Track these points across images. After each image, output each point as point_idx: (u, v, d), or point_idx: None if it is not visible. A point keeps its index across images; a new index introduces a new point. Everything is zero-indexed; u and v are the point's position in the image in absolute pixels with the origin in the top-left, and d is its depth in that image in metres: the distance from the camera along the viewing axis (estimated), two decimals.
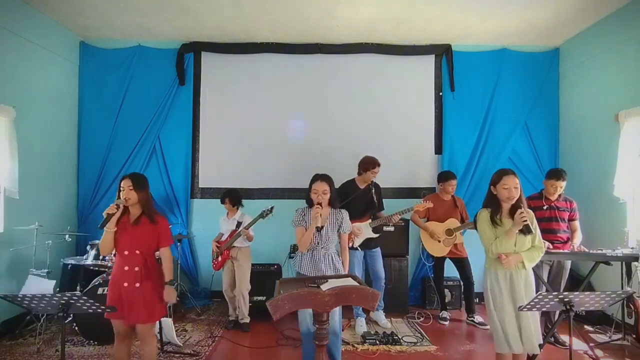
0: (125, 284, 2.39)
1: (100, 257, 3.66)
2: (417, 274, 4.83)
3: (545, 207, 3.44)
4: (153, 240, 2.48)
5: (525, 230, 2.34)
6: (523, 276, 2.41)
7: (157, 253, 2.56)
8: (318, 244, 2.71)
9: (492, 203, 2.49)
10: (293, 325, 3.72)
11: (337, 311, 2.62)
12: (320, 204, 2.66)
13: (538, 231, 2.46)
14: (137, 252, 2.42)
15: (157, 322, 3.17)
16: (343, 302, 2.06)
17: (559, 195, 3.44)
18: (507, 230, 2.40)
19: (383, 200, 4.02)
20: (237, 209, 3.98)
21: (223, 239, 3.94)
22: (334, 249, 2.79)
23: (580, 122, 4.58)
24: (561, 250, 3.34)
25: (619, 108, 3.88)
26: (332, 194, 2.73)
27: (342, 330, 3.77)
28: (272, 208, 3.74)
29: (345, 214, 2.82)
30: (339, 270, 2.73)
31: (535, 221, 2.46)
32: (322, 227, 2.69)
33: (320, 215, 2.64)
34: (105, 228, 2.37)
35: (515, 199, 2.40)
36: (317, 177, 2.75)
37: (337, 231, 2.77)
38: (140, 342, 2.53)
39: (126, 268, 2.41)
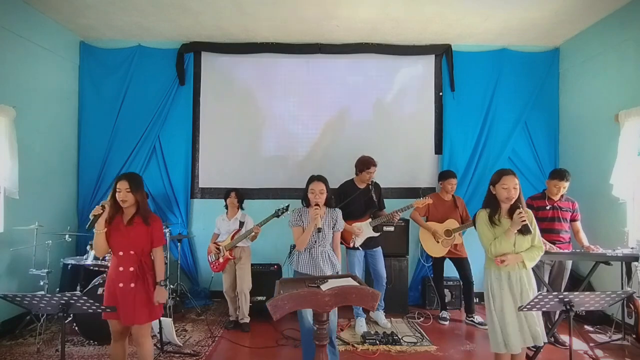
0: (121, 285, 2.39)
1: (100, 258, 3.66)
2: (417, 274, 4.83)
3: (548, 207, 3.44)
4: (147, 241, 2.47)
5: (524, 230, 2.35)
6: (525, 276, 2.40)
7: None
8: (316, 242, 2.77)
9: (491, 203, 2.50)
10: (293, 325, 3.72)
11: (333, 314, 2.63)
12: (318, 204, 2.72)
13: (537, 231, 2.46)
14: (132, 252, 2.42)
15: (157, 321, 3.20)
16: (343, 302, 2.06)
17: (561, 196, 3.44)
18: (505, 230, 2.40)
19: (383, 200, 4.02)
20: (239, 208, 4.00)
21: (221, 239, 3.92)
22: (329, 246, 2.86)
23: (580, 122, 4.58)
24: (562, 250, 3.34)
25: (619, 108, 3.88)
26: (327, 193, 2.81)
27: (342, 330, 3.78)
28: (287, 207, 3.71)
29: (339, 212, 2.90)
30: (335, 265, 2.82)
31: (534, 221, 2.46)
32: (321, 228, 2.73)
33: (321, 216, 2.71)
34: (94, 229, 2.36)
35: (515, 199, 2.40)
36: (314, 178, 2.82)
37: (332, 229, 2.86)
38: (135, 344, 2.50)
39: (121, 269, 2.41)
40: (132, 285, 2.39)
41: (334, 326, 2.77)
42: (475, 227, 2.58)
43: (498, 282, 2.42)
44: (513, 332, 2.34)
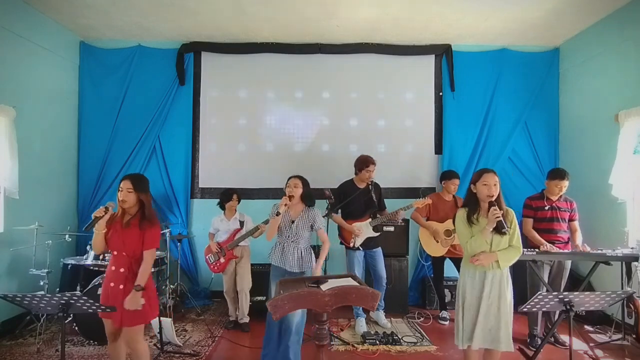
0: (112, 284, 2.39)
1: (100, 257, 3.66)
2: (417, 274, 4.83)
3: (546, 208, 3.43)
4: (139, 243, 2.41)
5: (499, 226, 2.34)
6: (497, 277, 2.40)
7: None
8: (289, 237, 2.93)
9: (471, 202, 2.51)
10: None
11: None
12: (291, 196, 2.88)
13: (517, 231, 2.46)
14: (124, 253, 2.40)
15: (157, 321, 3.20)
16: (343, 302, 2.06)
17: (560, 196, 3.44)
18: (482, 229, 2.41)
19: (384, 200, 4.02)
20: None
21: (219, 239, 3.91)
22: (305, 244, 2.98)
23: (580, 122, 4.58)
24: (561, 250, 3.34)
25: (619, 108, 3.88)
26: (304, 190, 2.96)
27: (342, 330, 3.79)
28: None
29: (317, 211, 3.00)
30: (305, 266, 2.92)
31: (515, 221, 2.47)
32: (294, 221, 2.91)
33: (286, 204, 2.85)
34: (93, 229, 2.36)
35: (494, 197, 2.40)
36: (292, 176, 3.01)
37: (311, 229, 2.97)
38: (127, 347, 2.47)
39: (113, 268, 2.42)
40: (121, 286, 2.37)
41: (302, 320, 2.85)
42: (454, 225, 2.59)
43: (471, 281, 2.43)
44: (475, 330, 2.37)
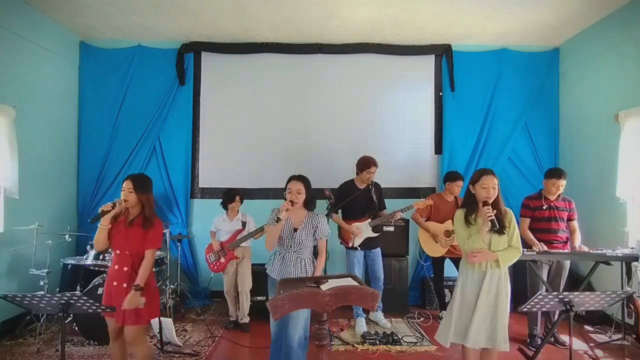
0: (115, 283, 2.41)
1: (100, 257, 3.66)
2: (417, 274, 4.83)
3: (544, 207, 3.43)
4: (142, 243, 2.44)
5: (492, 225, 2.34)
6: (496, 276, 2.39)
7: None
8: (290, 247, 2.60)
9: (469, 202, 2.51)
10: None
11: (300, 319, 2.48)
12: (292, 201, 2.55)
13: (517, 231, 2.46)
14: (127, 252, 2.43)
15: (157, 321, 3.20)
16: (343, 302, 2.05)
17: (558, 195, 3.44)
18: (478, 229, 2.41)
19: (384, 200, 4.01)
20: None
21: (220, 239, 3.91)
22: (309, 254, 2.65)
23: (580, 122, 4.58)
24: (561, 250, 3.34)
25: (619, 108, 3.88)
26: (307, 195, 2.61)
27: (342, 330, 3.78)
28: None
29: (322, 218, 2.67)
30: (310, 274, 2.60)
31: (514, 221, 2.46)
32: (297, 229, 2.61)
33: (287, 210, 2.52)
34: (99, 224, 2.38)
35: (493, 199, 2.40)
36: (292, 177, 2.65)
37: (313, 236, 2.64)
38: (131, 345, 2.51)
39: (117, 267, 2.43)
40: (124, 285, 2.39)
41: (307, 324, 2.60)
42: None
43: (470, 280, 2.43)
44: (470, 328, 2.35)
